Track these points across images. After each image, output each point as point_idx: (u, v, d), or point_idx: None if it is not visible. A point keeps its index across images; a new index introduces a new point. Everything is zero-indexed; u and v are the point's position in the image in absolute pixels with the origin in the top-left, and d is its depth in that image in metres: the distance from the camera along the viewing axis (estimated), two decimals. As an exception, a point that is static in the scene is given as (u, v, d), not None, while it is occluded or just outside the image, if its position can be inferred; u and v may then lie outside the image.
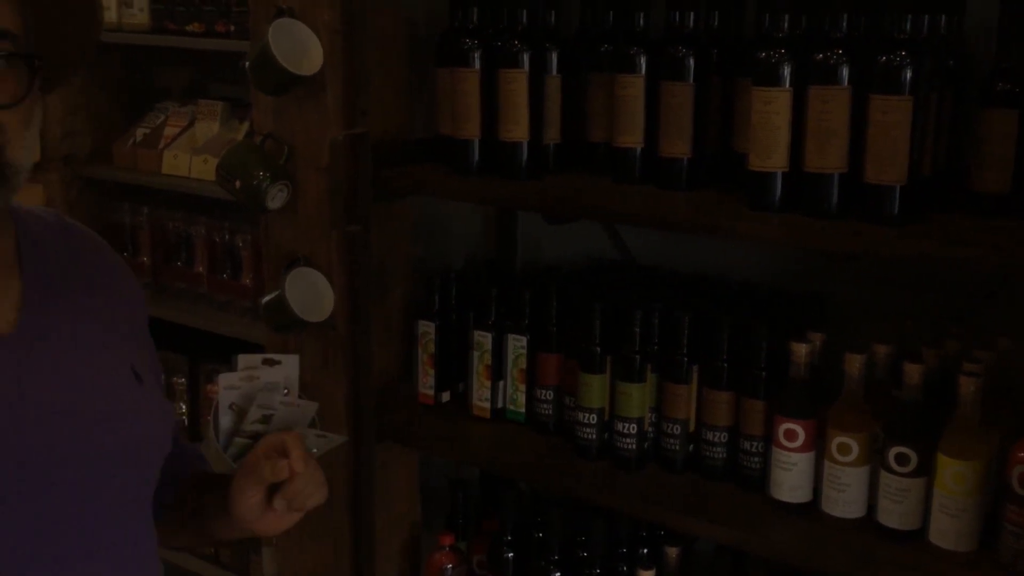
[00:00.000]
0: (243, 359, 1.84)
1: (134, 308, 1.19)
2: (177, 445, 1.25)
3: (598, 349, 1.63)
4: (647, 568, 1.70)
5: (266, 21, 1.70)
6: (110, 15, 2.28)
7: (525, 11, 1.65)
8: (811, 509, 1.50)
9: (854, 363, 1.43)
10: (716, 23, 1.60)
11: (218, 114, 2.28)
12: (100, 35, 1.10)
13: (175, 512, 1.20)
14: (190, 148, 2.27)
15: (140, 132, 2.39)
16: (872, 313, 1.66)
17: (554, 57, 1.68)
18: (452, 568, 1.90)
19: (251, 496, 1.14)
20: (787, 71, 1.39)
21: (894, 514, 1.42)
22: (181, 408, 2.37)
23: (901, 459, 1.40)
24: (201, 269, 2.26)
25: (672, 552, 1.72)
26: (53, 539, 1.00)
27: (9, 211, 1.05)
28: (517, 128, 1.65)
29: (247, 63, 1.71)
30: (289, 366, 1.86)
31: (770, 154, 1.42)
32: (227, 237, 2.20)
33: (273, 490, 1.15)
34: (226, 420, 1.82)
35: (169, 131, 2.35)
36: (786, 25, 1.41)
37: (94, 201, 2.43)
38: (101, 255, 1.18)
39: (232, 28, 2.07)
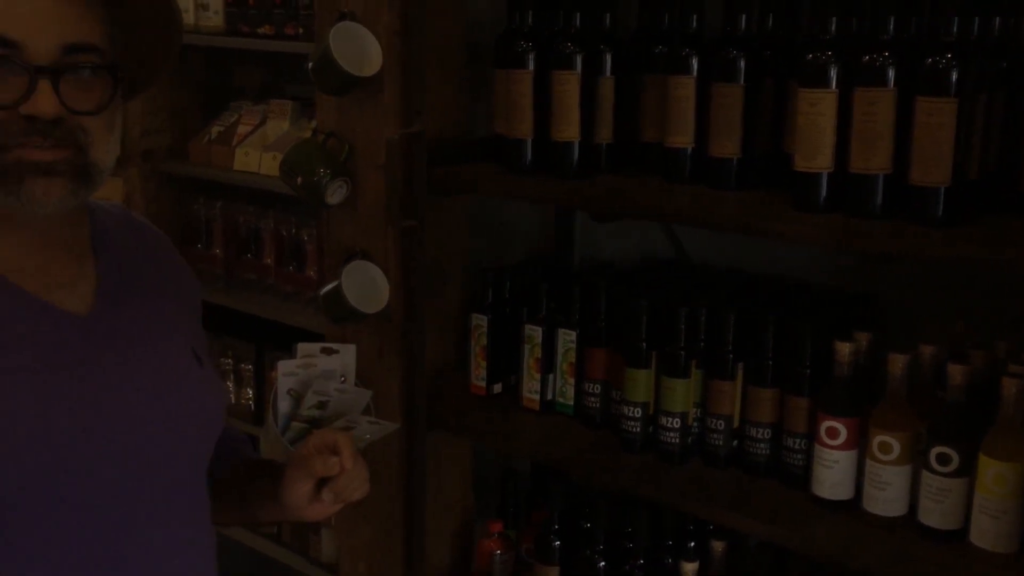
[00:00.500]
0: (302, 347, 1.92)
1: (191, 296, 1.28)
2: (227, 428, 1.34)
3: (644, 345, 1.67)
4: (691, 561, 1.73)
5: (330, 24, 1.77)
6: (188, 18, 2.39)
7: (579, 14, 1.70)
8: (852, 507, 1.52)
9: (897, 363, 1.44)
10: (771, 25, 1.62)
11: (288, 113, 2.37)
12: (180, 47, 1.18)
13: (223, 489, 1.28)
14: (261, 145, 2.36)
15: (215, 130, 2.49)
16: (926, 315, 1.66)
17: (608, 59, 1.71)
18: (500, 554, 1.95)
19: (301, 487, 1.24)
20: (833, 73, 1.41)
21: (935, 513, 1.42)
22: (248, 394, 2.47)
23: (943, 459, 1.40)
24: (269, 261, 2.35)
25: (718, 546, 1.74)
26: (121, 507, 1.08)
27: (86, 205, 1.14)
28: (568, 128, 1.69)
29: (310, 64, 1.78)
30: (346, 355, 1.93)
31: (815, 155, 1.44)
32: (294, 231, 2.29)
33: (321, 483, 1.24)
34: (284, 405, 1.91)
35: (242, 129, 2.45)
36: (834, 28, 1.42)
37: (171, 195, 2.54)
38: (161, 247, 1.27)
39: (300, 30, 2.15)
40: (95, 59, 1.03)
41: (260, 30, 2.25)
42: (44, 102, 0.99)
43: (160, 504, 1.12)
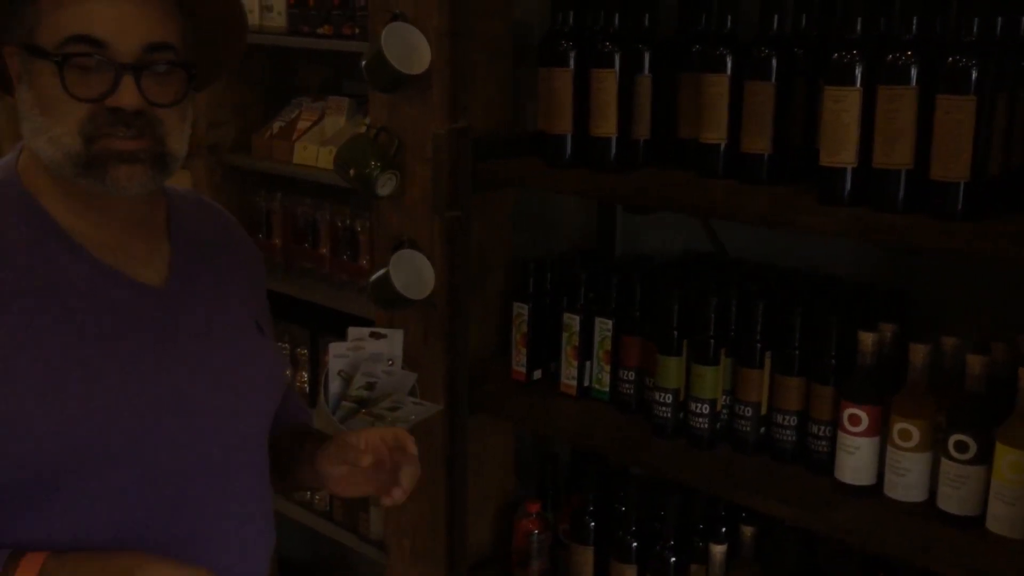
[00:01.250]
0: (352, 331, 2.03)
1: (256, 272, 1.40)
2: (287, 395, 1.44)
3: (675, 333, 1.73)
4: (720, 543, 1.79)
5: (382, 25, 1.87)
6: (253, 18, 2.51)
7: (618, 15, 1.77)
8: (874, 492, 1.56)
9: (918, 353, 1.49)
10: (804, 25, 1.67)
11: (345, 109, 2.47)
12: (246, 45, 1.29)
13: (277, 449, 1.38)
14: (319, 140, 2.47)
15: (277, 125, 2.61)
16: (955, 310, 1.69)
17: (646, 58, 1.78)
18: (538, 534, 2.03)
19: (339, 467, 1.31)
20: (857, 71, 1.46)
21: (953, 500, 1.46)
22: (303, 376, 2.58)
23: (960, 447, 1.44)
24: (324, 251, 2.46)
25: (747, 531, 1.80)
26: (188, 466, 1.18)
27: (161, 188, 1.26)
28: (606, 124, 1.76)
29: (363, 63, 1.88)
30: (394, 340, 2.04)
31: (839, 150, 1.49)
32: (348, 222, 2.39)
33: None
34: (335, 385, 2.02)
35: (302, 124, 2.56)
36: (859, 27, 1.47)
37: (235, 187, 2.66)
38: (229, 227, 1.39)
39: (357, 31, 2.25)
40: (172, 56, 1.14)
41: (319, 30, 2.36)
42: (128, 96, 1.10)
43: (224, 463, 1.22)
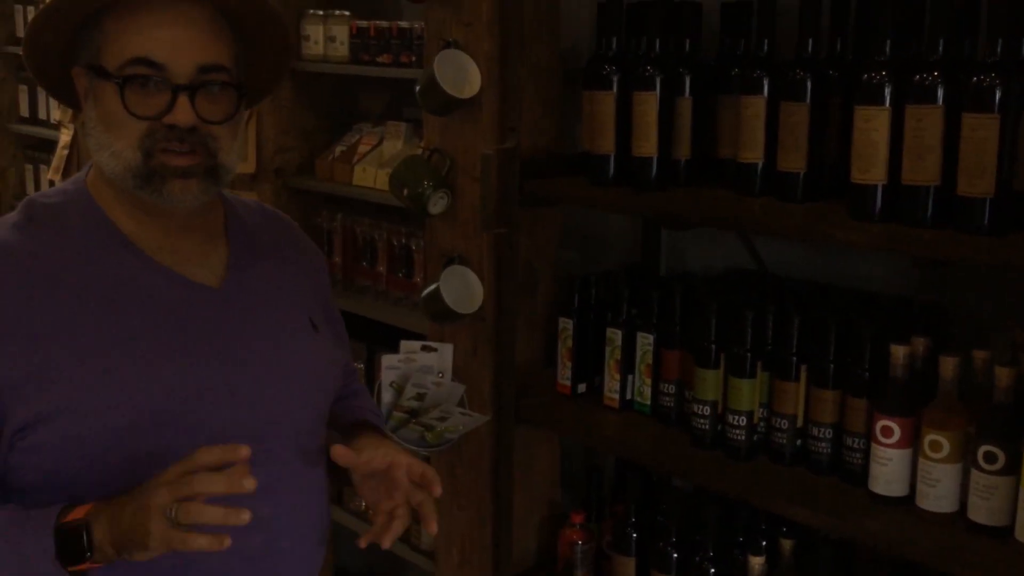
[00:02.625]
0: (405, 344, 2.13)
1: (315, 273, 1.49)
2: (352, 392, 1.53)
3: (713, 346, 1.78)
4: (758, 555, 1.82)
5: (436, 52, 1.97)
6: (317, 48, 2.64)
7: (659, 40, 1.84)
8: (906, 503, 1.59)
9: (948, 365, 1.52)
10: (839, 48, 1.73)
11: (402, 133, 2.58)
12: (289, 66, 1.39)
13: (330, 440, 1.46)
14: (377, 163, 2.58)
15: (338, 149, 2.73)
16: (991, 324, 1.71)
17: (686, 81, 1.85)
18: (581, 544, 2.08)
19: (366, 480, 1.37)
20: (886, 91, 1.51)
21: (982, 510, 1.48)
22: (360, 391, 2.68)
23: (989, 457, 1.47)
24: (382, 269, 2.56)
25: (786, 544, 1.83)
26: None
27: (220, 196, 1.37)
28: (646, 144, 1.83)
29: (417, 87, 1.98)
30: (444, 353, 2.13)
31: (870, 168, 1.54)
32: (404, 240, 2.49)
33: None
34: (387, 396, 2.11)
35: (362, 148, 2.68)
36: (888, 49, 1.52)
37: (298, 208, 2.79)
38: (289, 232, 1.50)
39: (414, 59, 2.36)
40: (224, 77, 1.24)
41: (379, 58, 2.48)
42: (183, 114, 1.21)
43: (277, 453, 1.30)
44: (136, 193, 1.23)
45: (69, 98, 1.32)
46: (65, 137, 3.51)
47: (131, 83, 1.20)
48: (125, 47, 1.20)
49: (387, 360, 2.03)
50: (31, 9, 3.81)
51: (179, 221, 1.29)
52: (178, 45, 1.21)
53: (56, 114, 3.66)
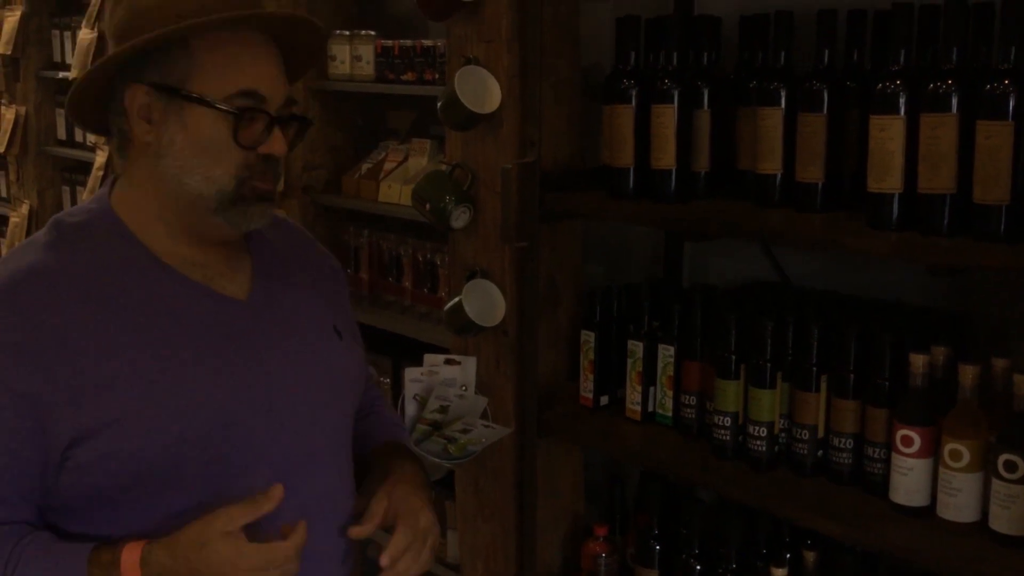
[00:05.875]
0: (428, 358, 2.15)
1: (335, 283, 1.53)
2: (371, 400, 1.57)
3: (733, 357, 1.79)
4: (780, 567, 1.82)
5: (457, 68, 2.01)
6: (344, 68, 2.69)
7: (677, 54, 1.86)
8: (927, 513, 1.58)
9: (967, 374, 1.51)
10: (855, 59, 1.74)
11: (427, 150, 2.62)
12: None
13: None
14: (402, 179, 2.62)
15: (364, 166, 2.78)
16: (1015, 334, 1.71)
17: (705, 94, 1.87)
18: (605, 556, 2.08)
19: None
20: (901, 100, 1.51)
21: (1003, 519, 1.47)
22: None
23: (1009, 466, 1.46)
24: (407, 284, 2.59)
25: (809, 556, 1.82)
26: (274, 463, 1.29)
27: None
28: (665, 157, 1.84)
29: (439, 104, 2.02)
30: (467, 366, 2.15)
31: (885, 176, 1.54)
32: (429, 256, 2.53)
33: None
34: (411, 408, 2.14)
35: (388, 165, 2.72)
36: (901, 59, 1.53)
37: (326, 224, 2.83)
38: (308, 244, 1.54)
39: (437, 76, 2.40)
40: (299, 110, 1.32)
41: (404, 76, 2.52)
42: (279, 144, 1.27)
43: (308, 458, 1.33)
44: (208, 216, 1.27)
45: (95, 105, 1.31)
46: (100, 159, 3.59)
47: (243, 115, 1.24)
48: (233, 78, 1.24)
49: (409, 373, 2.05)
50: (67, 35, 3.90)
51: (204, 234, 1.32)
52: (274, 79, 1.28)
53: (93, 136, 3.74)
